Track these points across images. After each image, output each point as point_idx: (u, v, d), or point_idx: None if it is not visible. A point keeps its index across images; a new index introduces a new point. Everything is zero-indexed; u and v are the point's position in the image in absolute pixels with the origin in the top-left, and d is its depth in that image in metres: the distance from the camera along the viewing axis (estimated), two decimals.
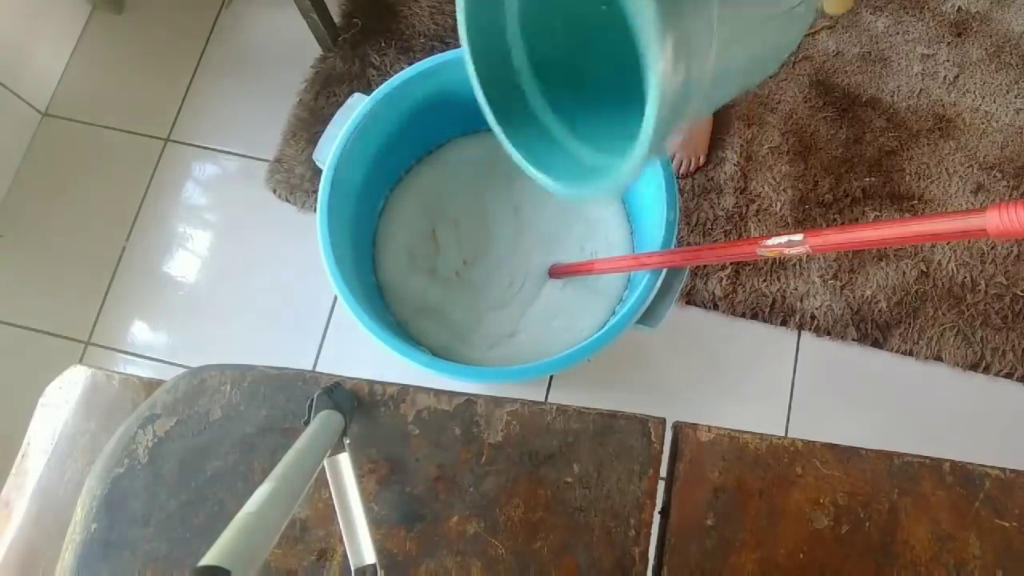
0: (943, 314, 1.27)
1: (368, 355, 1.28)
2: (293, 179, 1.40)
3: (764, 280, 1.30)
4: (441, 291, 0.99)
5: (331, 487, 0.57)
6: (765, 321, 1.29)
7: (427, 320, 0.98)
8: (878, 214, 1.32)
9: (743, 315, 1.29)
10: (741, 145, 1.36)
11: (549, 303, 0.99)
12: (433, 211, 1.03)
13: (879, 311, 1.28)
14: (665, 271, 0.81)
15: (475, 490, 0.61)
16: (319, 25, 1.38)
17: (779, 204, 1.33)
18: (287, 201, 1.41)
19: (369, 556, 0.55)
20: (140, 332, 1.39)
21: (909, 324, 1.27)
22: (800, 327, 1.29)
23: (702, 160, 1.32)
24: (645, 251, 0.91)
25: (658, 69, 0.38)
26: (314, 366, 1.33)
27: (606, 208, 1.01)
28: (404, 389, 0.65)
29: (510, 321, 0.98)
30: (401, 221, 1.02)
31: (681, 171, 1.31)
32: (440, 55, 0.87)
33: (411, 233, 1.02)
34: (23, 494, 0.74)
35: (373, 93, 0.86)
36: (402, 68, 0.88)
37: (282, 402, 0.65)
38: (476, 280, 1.00)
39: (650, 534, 0.60)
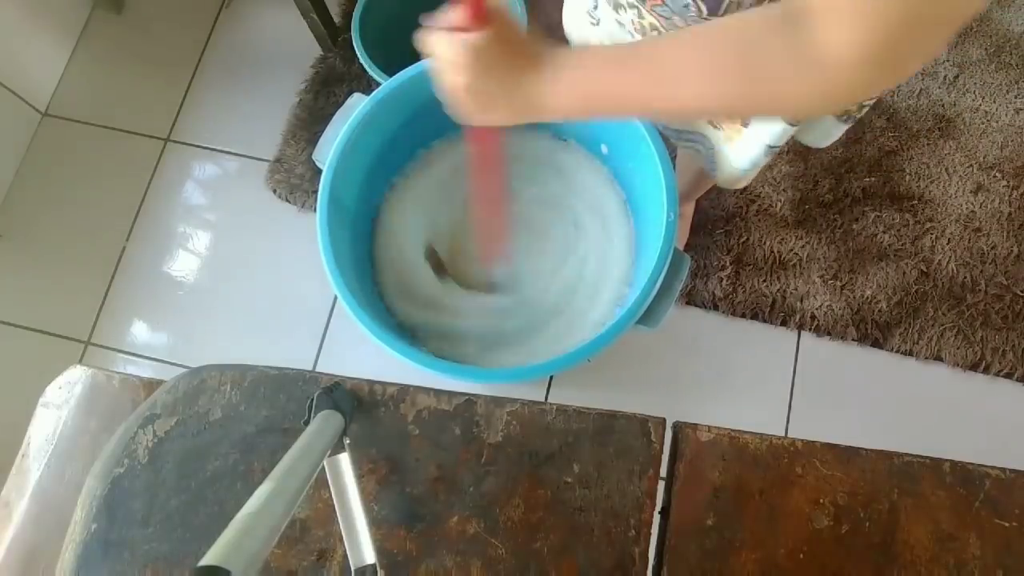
0: (943, 314, 1.27)
1: (368, 355, 1.28)
2: (293, 179, 1.40)
3: (764, 280, 1.29)
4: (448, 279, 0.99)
5: (331, 487, 0.57)
6: (765, 321, 1.29)
7: (430, 311, 0.97)
8: (878, 214, 1.32)
9: (743, 315, 1.29)
10: None
11: (549, 302, 0.99)
12: (441, 204, 1.03)
13: (879, 311, 1.28)
14: (664, 271, 0.81)
15: (475, 490, 0.61)
16: (319, 25, 1.38)
17: (779, 204, 1.33)
18: (287, 201, 1.41)
19: (369, 556, 0.55)
20: (140, 332, 1.39)
21: (909, 324, 1.27)
22: (800, 327, 1.28)
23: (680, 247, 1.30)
24: (645, 250, 0.91)
25: None
26: (314, 366, 1.33)
27: (613, 201, 1.01)
28: (404, 389, 0.65)
29: (507, 308, 0.98)
30: (404, 219, 1.02)
31: None
32: None
33: (417, 225, 1.01)
34: (23, 494, 0.74)
35: (373, 93, 0.86)
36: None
37: (282, 402, 0.65)
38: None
39: (650, 534, 0.60)
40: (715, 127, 0.78)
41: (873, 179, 1.34)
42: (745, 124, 0.74)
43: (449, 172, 1.04)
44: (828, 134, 0.78)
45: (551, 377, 1.30)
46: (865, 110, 0.75)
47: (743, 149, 0.76)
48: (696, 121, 0.80)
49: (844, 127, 0.77)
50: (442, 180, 1.03)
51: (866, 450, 0.62)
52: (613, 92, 0.49)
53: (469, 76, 0.50)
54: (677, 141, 0.87)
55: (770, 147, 0.74)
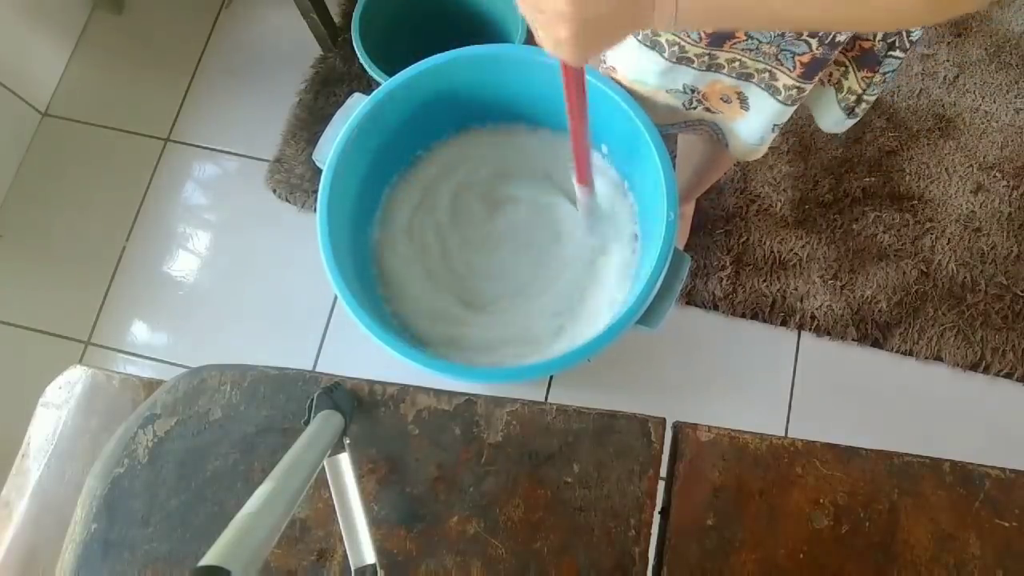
0: (943, 314, 1.27)
1: (368, 355, 1.28)
2: (293, 179, 1.40)
3: (764, 280, 1.29)
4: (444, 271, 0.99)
5: (331, 487, 0.57)
6: (765, 321, 1.29)
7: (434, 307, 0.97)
8: (878, 214, 1.32)
9: (743, 315, 1.29)
10: None
11: (549, 302, 0.99)
12: (437, 204, 1.02)
13: (879, 311, 1.28)
14: (664, 271, 0.81)
15: (475, 490, 0.61)
16: (319, 25, 1.38)
17: (779, 204, 1.33)
18: (287, 201, 1.41)
19: (369, 556, 0.55)
20: (140, 332, 1.39)
21: (909, 324, 1.27)
22: (800, 327, 1.28)
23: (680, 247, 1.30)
24: (646, 250, 0.91)
25: None
26: (314, 366, 1.33)
27: (613, 200, 1.01)
28: (404, 389, 0.65)
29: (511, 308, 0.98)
30: (404, 219, 1.02)
31: None
32: (440, 55, 0.87)
33: (417, 225, 1.01)
34: (23, 494, 0.74)
35: (373, 93, 0.86)
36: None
37: (282, 402, 0.65)
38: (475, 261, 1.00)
39: (650, 534, 0.60)
40: (712, 112, 0.80)
41: (873, 179, 1.34)
42: (745, 108, 0.77)
43: (448, 172, 1.04)
44: (840, 123, 0.80)
45: (551, 377, 1.30)
46: (867, 104, 0.76)
47: (749, 126, 0.79)
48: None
49: (852, 121, 0.79)
50: (441, 180, 1.04)
51: (866, 450, 0.62)
52: (744, 4, 0.45)
53: None
54: (682, 131, 0.87)
55: (775, 125, 0.77)
